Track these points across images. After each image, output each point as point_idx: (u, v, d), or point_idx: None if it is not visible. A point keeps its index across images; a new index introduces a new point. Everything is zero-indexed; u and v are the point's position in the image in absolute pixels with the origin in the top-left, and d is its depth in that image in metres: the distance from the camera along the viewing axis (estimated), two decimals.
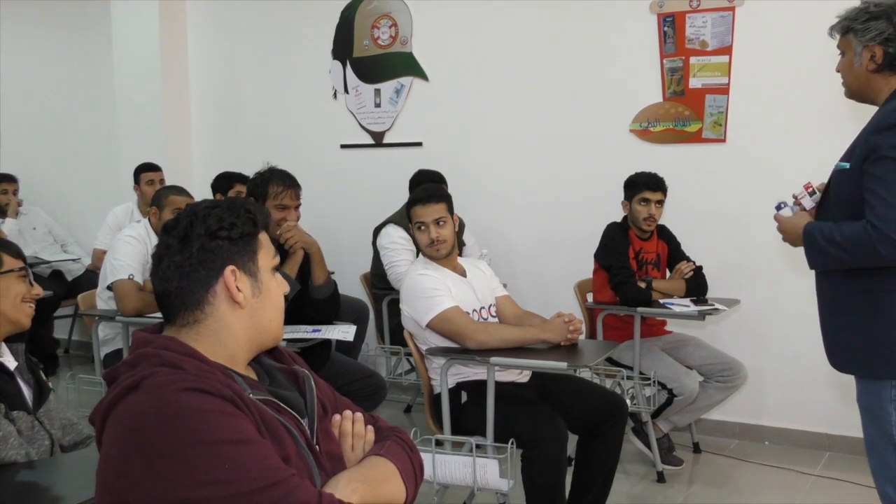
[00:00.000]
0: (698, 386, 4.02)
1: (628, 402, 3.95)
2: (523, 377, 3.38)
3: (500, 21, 5.09)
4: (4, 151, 7.19)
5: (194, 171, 6.19)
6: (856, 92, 2.53)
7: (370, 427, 1.75)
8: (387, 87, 5.47)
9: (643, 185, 4.16)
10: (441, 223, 3.38)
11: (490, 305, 3.45)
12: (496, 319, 3.45)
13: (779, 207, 2.67)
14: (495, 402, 3.09)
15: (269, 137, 5.95)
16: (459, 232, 4.91)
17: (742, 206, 4.50)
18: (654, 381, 3.97)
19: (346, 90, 5.61)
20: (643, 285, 4.10)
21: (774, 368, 4.52)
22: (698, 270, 4.22)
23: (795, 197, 2.66)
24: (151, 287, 3.85)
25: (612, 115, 4.82)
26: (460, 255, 4.82)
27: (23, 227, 6.22)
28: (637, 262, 4.23)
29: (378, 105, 5.51)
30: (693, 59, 4.55)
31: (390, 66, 5.45)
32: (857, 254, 2.34)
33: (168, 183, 5.47)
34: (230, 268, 1.55)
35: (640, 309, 3.98)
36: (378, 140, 5.56)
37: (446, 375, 3.20)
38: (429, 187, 3.53)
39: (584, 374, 3.93)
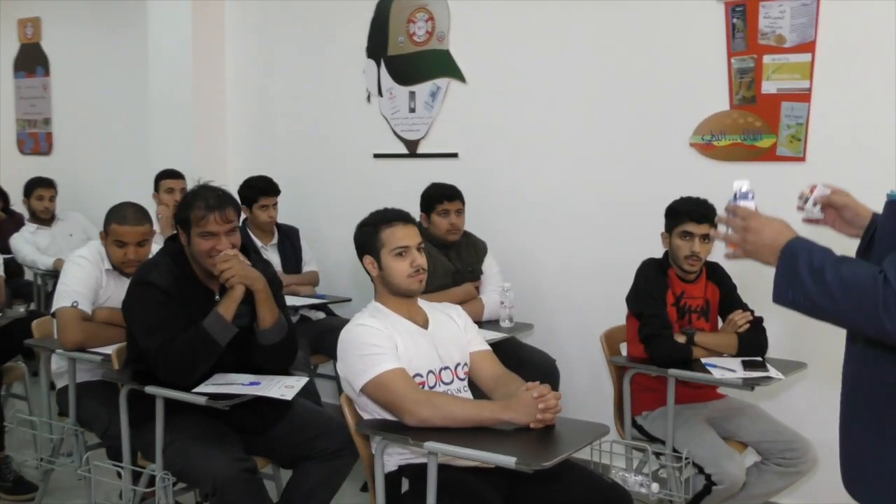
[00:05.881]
0: (744, 473, 3.18)
1: (655, 487, 3.17)
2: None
3: (546, 15, 4.35)
4: (56, 155, 7.04)
5: (229, 178, 5.71)
6: None
7: None
8: (422, 89, 4.82)
9: (686, 215, 3.35)
10: (421, 249, 2.75)
11: (459, 365, 2.74)
12: (464, 382, 2.75)
13: (743, 195, 1.90)
14: (443, 497, 2.41)
15: (303, 144, 5.42)
16: (479, 258, 4.24)
17: (822, 242, 3.59)
18: (686, 463, 3.17)
19: (380, 93, 5.00)
20: (682, 339, 3.30)
21: None
22: (757, 323, 3.36)
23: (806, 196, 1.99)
24: (101, 316, 3.39)
25: (670, 126, 4.00)
26: (478, 286, 4.20)
27: (58, 234, 5.92)
28: (678, 310, 3.41)
29: (413, 110, 4.86)
30: (767, 58, 3.68)
31: (426, 65, 4.79)
32: (846, 308, 1.60)
33: None
34: None
35: (671, 370, 3.17)
36: (412, 149, 4.92)
37: (382, 457, 2.52)
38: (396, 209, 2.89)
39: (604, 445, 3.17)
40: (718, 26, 3.80)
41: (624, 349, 3.61)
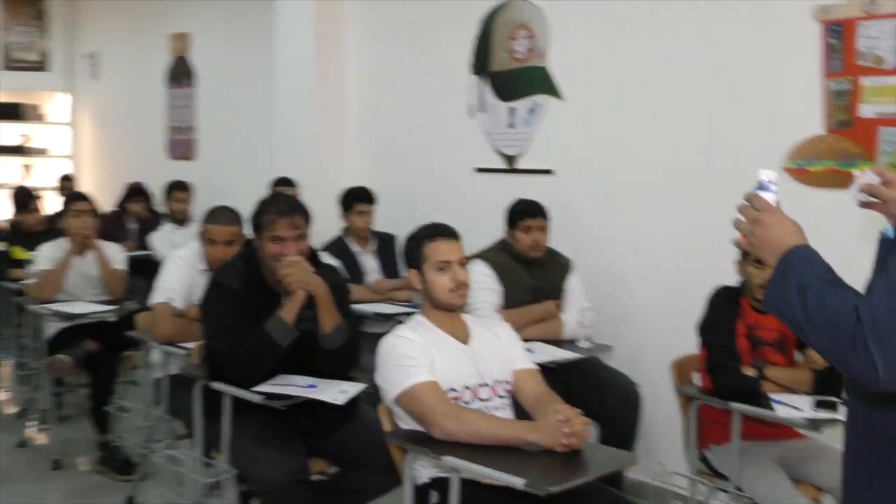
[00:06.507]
0: None
1: None
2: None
3: (641, 35, 4.28)
4: (198, 160, 7.50)
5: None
6: None
7: None
8: (521, 105, 4.84)
9: None
10: (464, 264, 2.81)
11: (499, 382, 2.75)
12: (504, 400, 2.76)
13: (765, 186, 1.76)
14: None
15: (412, 156, 5.56)
16: (562, 276, 4.20)
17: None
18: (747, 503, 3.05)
19: (482, 108, 5.06)
20: (752, 372, 3.17)
21: None
22: None
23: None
24: (193, 313, 3.59)
25: (763, 150, 3.84)
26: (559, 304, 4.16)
27: (191, 234, 6.25)
28: (750, 342, 3.28)
29: (512, 126, 4.90)
30: (865, 80, 3.49)
31: (526, 81, 4.81)
32: (819, 335, 1.54)
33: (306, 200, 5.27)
34: None
35: (734, 404, 3.06)
36: (511, 165, 4.95)
37: (411, 468, 2.58)
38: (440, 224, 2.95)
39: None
40: (813, 46, 3.64)
41: (697, 378, 3.51)
